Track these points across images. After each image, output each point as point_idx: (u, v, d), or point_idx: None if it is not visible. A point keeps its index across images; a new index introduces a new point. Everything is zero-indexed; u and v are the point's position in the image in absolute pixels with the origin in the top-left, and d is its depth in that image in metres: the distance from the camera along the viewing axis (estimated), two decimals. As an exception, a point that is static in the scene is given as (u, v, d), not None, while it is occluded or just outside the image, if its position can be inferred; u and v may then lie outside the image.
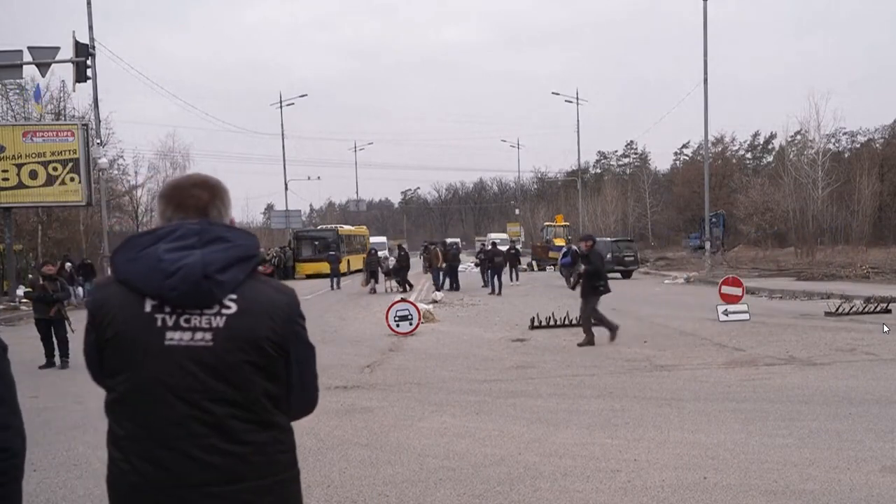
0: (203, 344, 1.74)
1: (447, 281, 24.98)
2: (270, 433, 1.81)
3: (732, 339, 11.42)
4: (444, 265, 24.43)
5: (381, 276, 25.61)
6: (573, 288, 11.43)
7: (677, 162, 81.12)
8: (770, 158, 71.04)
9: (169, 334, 1.75)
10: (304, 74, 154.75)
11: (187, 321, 1.75)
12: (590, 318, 10.87)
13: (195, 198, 1.87)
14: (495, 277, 23.16)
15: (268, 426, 1.81)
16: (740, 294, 14.57)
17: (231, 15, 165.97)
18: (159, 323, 1.75)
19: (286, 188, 50.09)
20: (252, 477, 1.76)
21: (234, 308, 1.76)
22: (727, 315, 13.53)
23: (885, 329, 11.49)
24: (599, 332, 11.03)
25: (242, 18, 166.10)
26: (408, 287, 24.26)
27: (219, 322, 1.75)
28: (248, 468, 1.76)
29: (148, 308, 1.76)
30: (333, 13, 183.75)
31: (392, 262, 26.13)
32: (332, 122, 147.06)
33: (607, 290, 11.19)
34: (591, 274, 10.87)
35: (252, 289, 1.80)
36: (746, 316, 13.53)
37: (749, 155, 75.24)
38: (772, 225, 46.82)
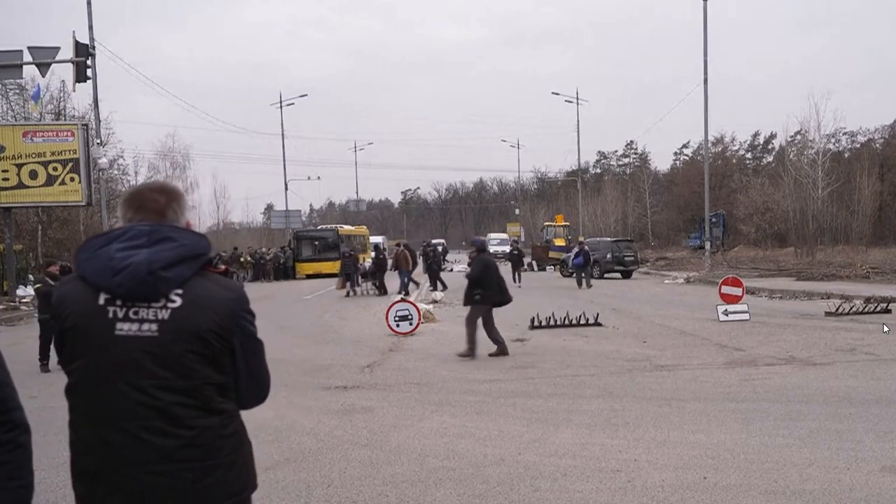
0: (149, 334, 1.88)
1: (411, 283, 23.76)
2: (216, 419, 1.94)
3: (732, 339, 11.43)
4: (411, 267, 23.46)
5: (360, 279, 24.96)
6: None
7: (677, 162, 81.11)
8: (770, 158, 70.95)
9: (119, 325, 1.89)
10: (304, 74, 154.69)
11: (136, 313, 1.90)
12: (493, 331, 10.53)
13: (153, 201, 2.03)
14: None
15: (213, 412, 1.94)
16: (740, 294, 14.58)
17: (231, 15, 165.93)
18: (111, 315, 1.90)
19: (286, 188, 50.19)
20: (195, 458, 1.89)
21: (178, 302, 1.91)
22: (727, 315, 13.55)
23: (885, 329, 11.49)
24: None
25: (242, 18, 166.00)
26: (382, 290, 23.43)
27: (164, 315, 1.89)
28: (193, 450, 1.89)
29: (101, 301, 1.91)
30: (333, 13, 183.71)
31: (369, 263, 25.57)
32: (331, 121, 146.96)
33: (488, 302, 10.58)
34: (470, 282, 10.73)
35: (199, 285, 1.95)
36: (746, 316, 13.55)
37: (749, 155, 75.15)
38: (772, 225, 46.85)
